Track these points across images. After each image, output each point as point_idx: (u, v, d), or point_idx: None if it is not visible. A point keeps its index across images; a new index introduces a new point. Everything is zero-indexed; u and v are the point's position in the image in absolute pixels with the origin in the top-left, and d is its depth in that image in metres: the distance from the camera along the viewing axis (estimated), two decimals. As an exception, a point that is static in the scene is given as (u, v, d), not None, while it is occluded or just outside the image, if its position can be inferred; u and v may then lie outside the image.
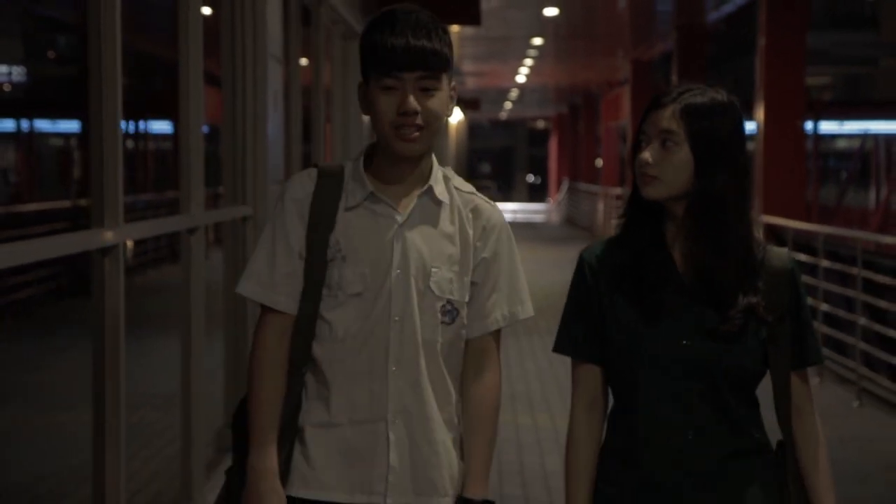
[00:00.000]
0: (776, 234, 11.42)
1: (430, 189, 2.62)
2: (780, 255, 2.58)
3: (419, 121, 2.55)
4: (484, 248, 2.66)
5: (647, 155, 2.50)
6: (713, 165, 2.49)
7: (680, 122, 2.49)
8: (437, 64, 2.56)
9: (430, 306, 2.60)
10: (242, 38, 6.36)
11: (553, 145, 48.96)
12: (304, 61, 8.71)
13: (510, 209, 43.43)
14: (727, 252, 2.50)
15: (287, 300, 2.60)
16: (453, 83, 2.63)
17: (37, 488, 6.06)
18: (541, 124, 57.38)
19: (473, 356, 2.68)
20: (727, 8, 15.32)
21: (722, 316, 2.50)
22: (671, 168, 2.49)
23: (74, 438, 6.18)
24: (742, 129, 2.55)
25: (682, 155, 2.49)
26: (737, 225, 2.51)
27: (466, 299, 2.64)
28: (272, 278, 2.61)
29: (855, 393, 8.87)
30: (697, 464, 2.50)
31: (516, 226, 34.25)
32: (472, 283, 2.65)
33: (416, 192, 2.62)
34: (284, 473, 2.59)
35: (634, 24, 18.21)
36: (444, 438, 2.62)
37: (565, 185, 37.99)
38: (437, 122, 2.58)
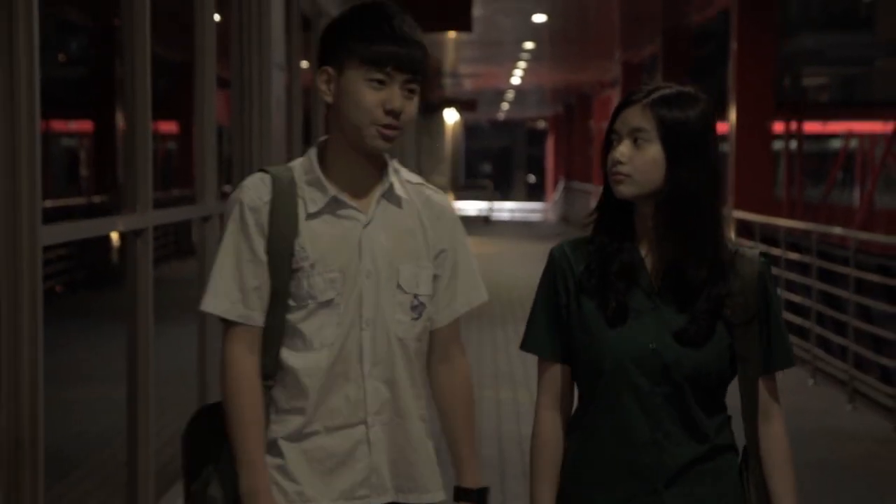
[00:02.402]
0: (746, 228, 12.17)
1: (391, 186, 2.57)
2: (751, 257, 2.51)
3: (400, 121, 2.50)
4: (441, 239, 2.62)
5: (618, 153, 2.45)
6: (685, 161, 2.44)
7: (651, 119, 2.44)
8: (424, 68, 2.52)
9: (401, 303, 2.55)
10: (249, 48, 7.01)
11: (550, 145, 49.50)
12: (304, 64, 9.32)
13: (508, 208, 43.99)
14: (697, 250, 2.44)
15: (258, 314, 2.52)
16: None
17: (64, 450, 6.73)
18: (540, 124, 57.80)
19: (440, 345, 2.65)
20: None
21: (689, 318, 2.44)
22: (643, 165, 2.44)
23: (95, 410, 6.79)
24: (713, 124, 2.50)
25: (654, 151, 2.44)
26: (708, 223, 2.47)
27: (431, 292, 2.60)
28: (241, 293, 2.52)
29: (810, 372, 9.65)
30: (657, 469, 2.45)
31: (514, 224, 34.82)
32: (434, 276, 2.61)
33: (376, 191, 2.56)
34: None
35: (622, 29, 18.72)
36: (420, 434, 2.59)
37: (561, 185, 38.59)
38: (410, 125, 2.55)
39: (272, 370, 2.52)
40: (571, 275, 2.53)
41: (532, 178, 62.26)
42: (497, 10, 15.68)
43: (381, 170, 2.57)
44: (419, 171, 23.75)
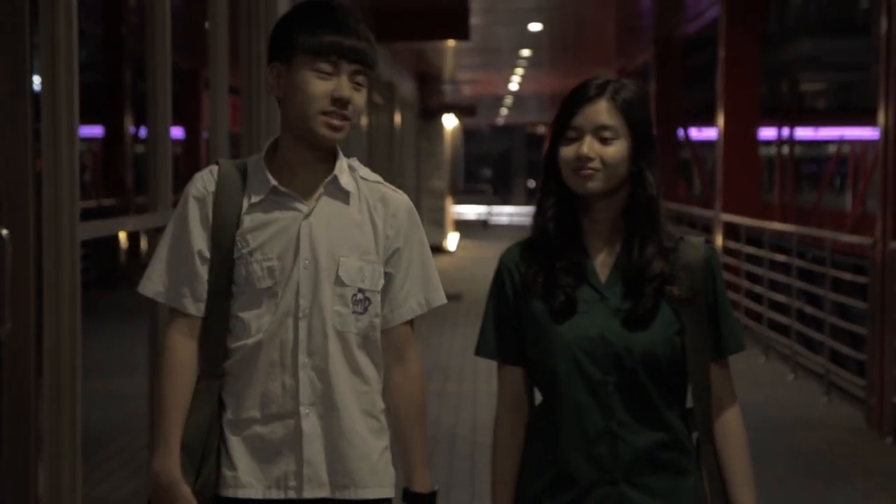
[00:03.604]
0: (733, 230, 12.60)
1: (335, 179, 2.57)
2: (696, 244, 2.53)
3: (348, 112, 2.52)
4: (395, 238, 2.61)
5: (587, 149, 2.46)
6: (645, 155, 2.50)
7: (618, 116, 2.47)
8: (372, 61, 2.55)
9: (341, 296, 2.54)
10: (258, 54, 7.39)
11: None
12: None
13: (507, 212, 44.29)
14: (649, 239, 2.49)
15: (190, 301, 2.55)
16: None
17: (87, 435, 7.11)
18: (540, 129, 58.03)
19: (393, 346, 2.63)
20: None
21: (635, 302, 2.47)
22: (612, 161, 2.46)
23: (115, 400, 7.16)
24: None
25: (622, 148, 2.47)
26: (660, 211, 2.52)
27: (378, 288, 2.59)
28: (174, 279, 2.56)
29: (790, 367, 10.09)
30: (613, 459, 2.46)
31: (513, 228, 35.06)
32: (386, 274, 2.60)
33: (322, 183, 2.57)
34: (216, 475, 2.56)
35: (615, 38, 19.02)
36: (361, 429, 2.57)
37: (559, 189, 38.75)
38: (358, 118, 2.55)
39: (222, 359, 2.56)
40: (519, 275, 2.55)
41: (533, 183, 62.60)
42: (494, 20, 15.98)
43: (329, 164, 2.60)
44: (418, 175, 24.12)
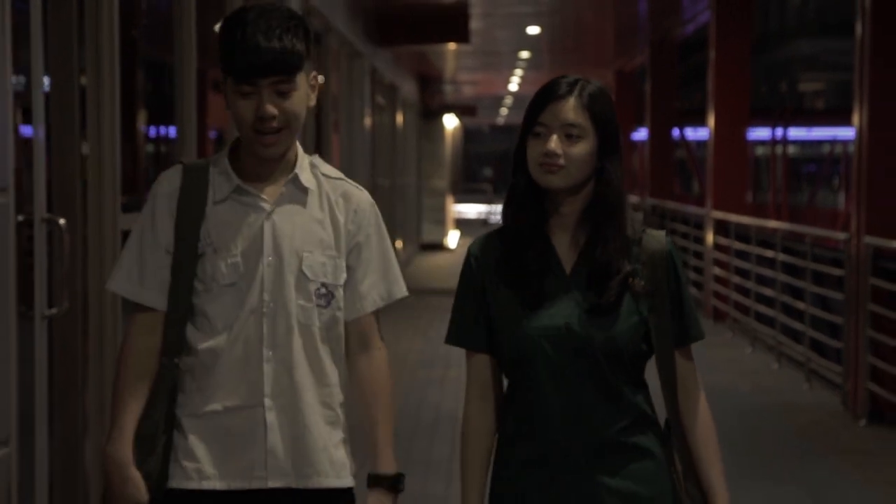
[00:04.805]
0: (722, 227, 13.02)
1: (296, 177, 2.61)
2: (658, 237, 2.59)
3: (277, 123, 2.52)
4: (357, 233, 2.65)
5: (553, 145, 2.50)
6: (610, 154, 2.55)
7: (585, 115, 2.52)
8: (290, 66, 2.51)
9: (305, 290, 2.58)
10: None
11: (549, 150, 49.79)
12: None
13: (507, 211, 44.42)
14: (612, 233, 2.54)
15: (155, 296, 2.59)
16: (312, 73, 2.60)
17: (103, 421, 7.51)
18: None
19: (356, 337, 2.67)
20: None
21: (599, 294, 2.51)
22: (578, 158, 2.51)
23: None
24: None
25: (588, 146, 2.52)
26: (624, 207, 2.57)
27: (341, 282, 2.63)
28: (140, 275, 2.59)
29: (775, 357, 10.57)
30: (578, 446, 2.51)
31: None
32: (348, 267, 2.64)
33: (283, 181, 2.61)
34: (164, 465, 2.59)
35: (612, 41, 19.40)
36: (320, 421, 2.61)
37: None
38: (296, 121, 2.55)
39: (178, 348, 2.59)
40: (488, 266, 2.59)
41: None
42: (494, 24, 16.34)
43: (290, 163, 2.64)
44: (419, 174, 24.53)
